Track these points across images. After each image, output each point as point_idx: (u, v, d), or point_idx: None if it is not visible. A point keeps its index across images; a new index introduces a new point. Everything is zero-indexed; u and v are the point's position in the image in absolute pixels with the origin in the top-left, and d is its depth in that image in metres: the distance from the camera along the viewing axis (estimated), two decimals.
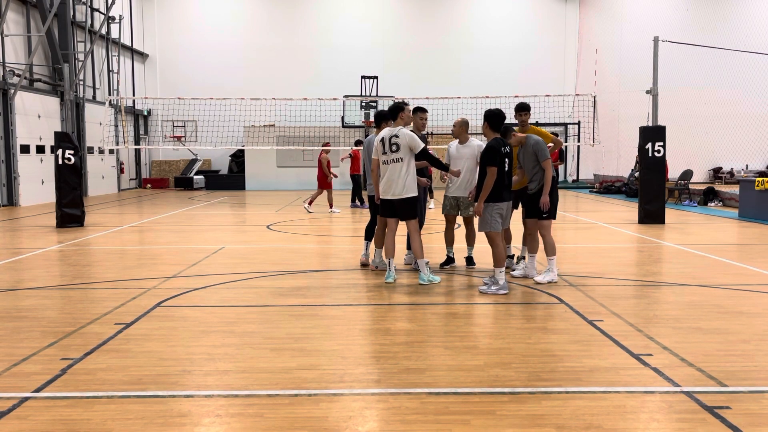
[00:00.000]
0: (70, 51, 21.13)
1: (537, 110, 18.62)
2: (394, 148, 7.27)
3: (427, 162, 7.58)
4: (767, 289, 7.11)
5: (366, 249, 8.54)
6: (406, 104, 7.62)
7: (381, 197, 7.48)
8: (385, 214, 7.58)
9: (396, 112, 7.51)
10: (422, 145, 7.33)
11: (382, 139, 7.37)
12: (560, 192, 21.00)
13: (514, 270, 7.93)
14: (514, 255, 8.55)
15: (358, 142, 17.76)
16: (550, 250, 7.45)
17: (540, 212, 7.46)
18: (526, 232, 7.88)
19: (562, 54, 29.07)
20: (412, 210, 7.39)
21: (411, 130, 8.06)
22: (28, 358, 4.78)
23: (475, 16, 28.87)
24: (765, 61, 21.41)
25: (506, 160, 7.00)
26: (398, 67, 27.90)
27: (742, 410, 3.81)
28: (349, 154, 17.49)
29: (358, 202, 17.60)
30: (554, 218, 7.51)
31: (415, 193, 7.39)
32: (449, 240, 8.48)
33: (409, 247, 8.42)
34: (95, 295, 6.99)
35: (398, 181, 7.28)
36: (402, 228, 7.84)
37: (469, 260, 8.55)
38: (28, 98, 18.89)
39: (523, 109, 8.01)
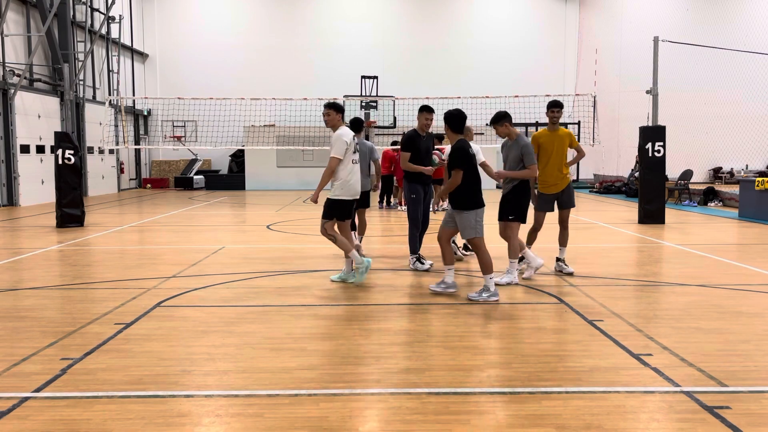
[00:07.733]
0: (70, 51, 21.13)
1: (537, 110, 18.62)
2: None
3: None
4: (767, 289, 7.11)
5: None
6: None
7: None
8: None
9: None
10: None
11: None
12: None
13: (501, 279, 7.45)
14: None
15: (394, 143, 17.75)
16: (512, 253, 7.36)
17: (506, 214, 7.32)
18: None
19: (562, 54, 29.06)
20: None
21: (414, 129, 8.08)
22: (28, 358, 4.78)
23: (475, 17, 28.86)
24: (765, 61, 21.40)
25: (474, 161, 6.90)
26: (398, 67, 27.89)
27: (742, 410, 3.81)
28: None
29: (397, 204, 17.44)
30: (524, 222, 7.37)
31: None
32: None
33: (412, 251, 8.38)
34: (95, 295, 6.99)
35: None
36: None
37: (465, 247, 9.20)
38: (28, 98, 18.88)
39: (556, 105, 7.92)
